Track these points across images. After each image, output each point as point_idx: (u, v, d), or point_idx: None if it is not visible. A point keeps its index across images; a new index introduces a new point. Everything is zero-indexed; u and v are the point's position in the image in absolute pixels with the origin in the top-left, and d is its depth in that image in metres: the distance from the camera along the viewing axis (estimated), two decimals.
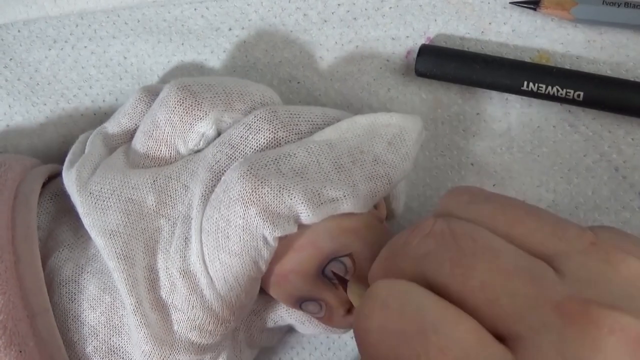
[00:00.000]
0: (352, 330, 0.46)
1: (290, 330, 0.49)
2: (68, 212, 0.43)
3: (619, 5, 0.42)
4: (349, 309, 0.39)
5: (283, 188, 0.37)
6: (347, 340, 0.50)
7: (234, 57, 0.48)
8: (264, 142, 0.40)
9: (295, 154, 0.39)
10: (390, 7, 0.46)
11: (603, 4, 0.42)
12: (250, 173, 0.37)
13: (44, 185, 0.45)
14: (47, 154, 0.50)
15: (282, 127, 0.40)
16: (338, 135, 0.40)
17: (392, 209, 0.44)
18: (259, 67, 0.48)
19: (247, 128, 0.41)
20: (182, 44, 0.48)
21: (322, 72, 0.47)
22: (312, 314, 0.40)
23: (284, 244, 0.38)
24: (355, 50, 0.47)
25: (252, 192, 0.37)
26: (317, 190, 0.37)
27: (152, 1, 0.46)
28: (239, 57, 0.48)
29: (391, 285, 0.28)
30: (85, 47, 0.48)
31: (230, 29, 0.47)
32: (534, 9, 0.44)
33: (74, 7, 0.47)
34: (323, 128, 0.41)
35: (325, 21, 0.46)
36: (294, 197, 0.37)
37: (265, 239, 0.37)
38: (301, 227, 0.38)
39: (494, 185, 0.47)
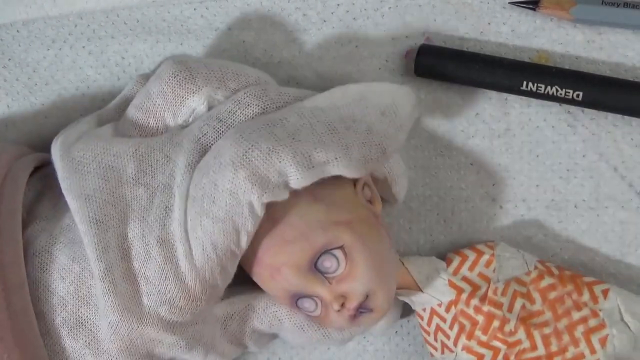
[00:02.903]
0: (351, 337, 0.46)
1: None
2: (52, 188, 0.43)
3: (618, 6, 0.42)
4: (343, 303, 0.39)
5: (272, 151, 0.37)
6: None
7: (233, 57, 0.48)
8: (251, 117, 0.40)
9: (287, 117, 0.39)
10: (390, 7, 0.46)
11: (602, 4, 0.42)
12: (242, 137, 0.38)
13: (38, 169, 0.45)
14: (45, 152, 0.49)
15: (271, 104, 0.41)
16: (330, 103, 0.41)
17: (394, 193, 0.44)
18: (257, 67, 0.47)
19: (236, 103, 0.41)
20: (181, 43, 0.48)
21: (321, 73, 0.47)
22: (308, 312, 0.40)
23: (277, 236, 0.39)
24: (355, 50, 0.47)
25: (243, 155, 0.37)
26: (307, 153, 0.38)
27: (152, 1, 0.46)
28: (238, 57, 0.48)
29: None
30: (84, 47, 0.48)
31: (229, 29, 0.47)
32: (533, 9, 0.44)
33: (73, 7, 0.47)
34: None
35: (325, 21, 0.46)
36: (284, 160, 0.37)
37: (251, 206, 0.37)
38: (294, 218, 0.39)
39: (493, 185, 0.47)
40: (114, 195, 0.40)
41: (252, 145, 0.37)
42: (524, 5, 0.44)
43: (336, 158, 0.38)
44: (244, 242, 0.38)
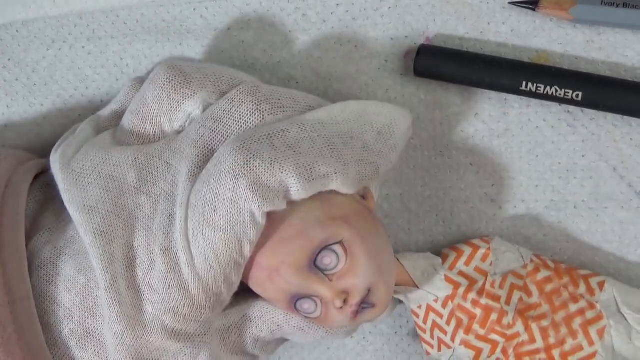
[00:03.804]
0: (355, 329, 0.45)
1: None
2: (54, 199, 0.43)
3: (617, 6, 0.42)
4: (345, 300, 0.39)
5: (275, 161, 0.37)
6: (346, 340, 0.50)
7: (232, 57, 0.48)
8: (247, 114, 0.40)
9: (288, 129, 0.39)
10: (389, 7, 0.46)
11: (602, 4, 0.42)
12: (243, 147, 0.38)
13: (38, 177, 0.45)
14: (45, 154, 0.49)
15: (265, 100, 0.41)
16: (330, 117, 0.41)
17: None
18: (257, 68, 0.47)
19: (229, 102, 0.41)
20: (180, 44, 0.48)
21: (320, 73, 0.47)
22: (308, 314, 0.40)
23: (274, 236, 0.38)
24: (354, 50, 0.47)
25: (244, 164, 0.37)
26: (308, 165, 0.38)
27: (151, 1, 0.46)
28: (237, 57, 0.48)
29: None
30: (83, 47, 0.48)
31: (228, 29, 0.47)
32: (533, 9, 0.44)
33: (73, 7, 0.47)
34: (304, 107, 0.42)
35: (324, 21, 0.46)
36: (286, 170, 0.37)
37: (252, 215, 0.37)
38: (290, 217, 0.39)
39: (492, 185, 0.47)
40: (117, 205, 0.40)
41: (253, 155, 0.37)
42: (524, 6, 0.44)
43: (335, 173, 0.38)
44: (247, 251, 0.38)
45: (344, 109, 0.42)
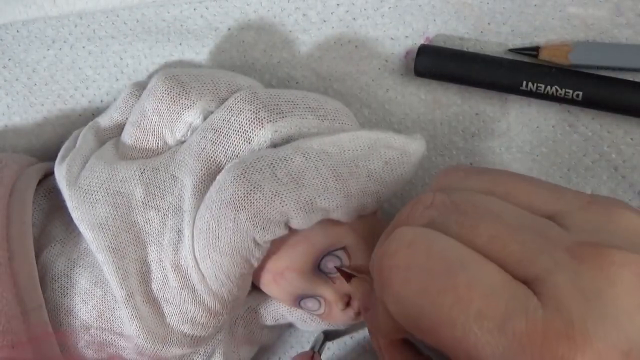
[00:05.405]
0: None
1: (290, 329, 0.49)
2: (60, 208, 0.44)
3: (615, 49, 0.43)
4: (348, 302, 0.39)
5: (276, 195, 0.36)
6: (346, 340, 0.49)
7: (233, 57, 0.48)
8: (246, 123, 0.40)
9: (292, 158, 0.38)
10: (390, 7, 0.46)
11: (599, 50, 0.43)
12: (244, 177, 0.37)
13: (40, 182, 0.45)
14: (45, 154, 0.50)
15: (263, 107, 0.40)
16: (337, 146, 0.40)
17: None
18: (257, 67, 0.47)
19: (228, 110, 0.40)
20: (180, 44, 0.48)
21: (320, 73, 0.47)
22: (312, 311, 0.40)
23: (278, 241, 0.38)
24: (354, 50, 0.47)
25: (244, 197, 0.36)
26: (310, 199, 0.37)
27: (152, 1, 0.46)
28: (238, 57, 0.48)
29: (416, 229, 0.28)
30: (84, 47, 0.48)
31: (229, 29, 0.47)
32: (535, 57, 0.44)
33: (73, 7, 0.47)
34: (304, 109, 0.41)
35: (325, 21, 0.46)
36: (286, 205, 0.37)
37: (255, 241, 0.37)
38: None
39: None
40: (126, 222, 0.40)
41: (254, 187, 0.36)
42: (525, 53, 0.44)
43: (337, 207, 0.38)
44: (255, 264, 0.38)
45: (352, 140, 0.40)
